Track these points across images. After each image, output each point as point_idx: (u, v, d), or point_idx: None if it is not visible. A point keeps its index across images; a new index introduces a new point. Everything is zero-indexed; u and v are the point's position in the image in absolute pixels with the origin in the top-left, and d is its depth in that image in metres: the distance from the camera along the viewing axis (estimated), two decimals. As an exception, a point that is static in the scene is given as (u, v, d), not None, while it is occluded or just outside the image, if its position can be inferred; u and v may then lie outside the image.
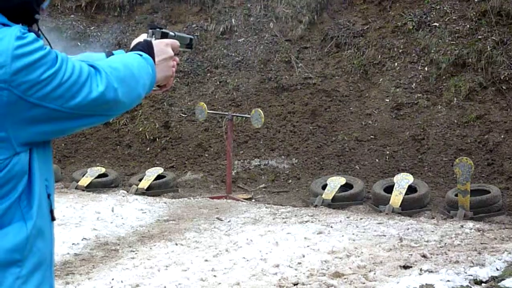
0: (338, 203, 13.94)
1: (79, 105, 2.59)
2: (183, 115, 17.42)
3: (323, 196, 14.08)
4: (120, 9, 20.21)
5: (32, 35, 2.43)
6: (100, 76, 2.70)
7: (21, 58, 2.35)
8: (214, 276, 9.34)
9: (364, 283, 8.95)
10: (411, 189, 13.85)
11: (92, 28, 20.11)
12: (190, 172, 16.24)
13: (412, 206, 13.50)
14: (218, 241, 11.09)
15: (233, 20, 19.20)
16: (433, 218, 13.03)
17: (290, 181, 15.57)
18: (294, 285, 8.94)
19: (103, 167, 16.02)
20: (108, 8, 20.29)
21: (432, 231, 11.68)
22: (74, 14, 20.36)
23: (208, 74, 18.45)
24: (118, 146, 17.25)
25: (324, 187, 14.37)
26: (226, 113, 16.35)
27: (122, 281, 9.05)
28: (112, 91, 2.71)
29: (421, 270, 9.35)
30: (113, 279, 9.08)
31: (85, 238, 11.05)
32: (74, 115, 2.59)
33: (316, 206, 13.83)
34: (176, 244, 10.97)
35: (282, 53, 18.31)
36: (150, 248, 10.73)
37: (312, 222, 12.32)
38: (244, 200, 14.35)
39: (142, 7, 20.02)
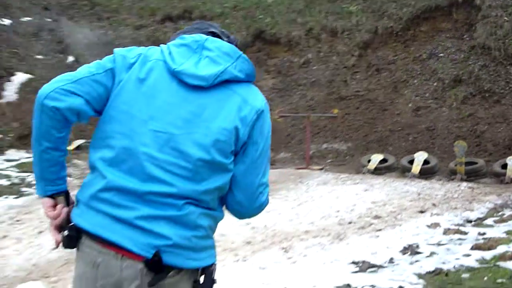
0: (378, 171, 13.86)
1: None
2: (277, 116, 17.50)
3: (368, 167, 14.01)
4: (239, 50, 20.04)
5: None
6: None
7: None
8: (297, 218, 9.40)
9: (394, 222, 8.94)
10: (426, 162, 13.71)
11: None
12: (283, 152, 16.29)
13: (426, 173, 13.38)
14: (300, 196, 11.15)
15: (309, 55, 19.19)
16: (440, 180, 12.89)
17: (347, 157, 15.54)
18: (349, 223, 8.98)
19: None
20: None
21: (439, 189, 11.60)
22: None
23: (294, 90, 18.48)
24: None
25: (369, 161, 14.31)
26: (304, 114, 16.49)
27: (238, 220, 9.17)
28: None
29: (431, 213, 9.32)
30: (232, 220, 9.21)
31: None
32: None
33: (364, 173, 13.78)
34: (274, 198, 11.04)
35: (341, 75, 18.25)
36: (257, 201, 10.84)
37: (361, 183, 12.30)
38: (317, 170, 14.36)
39: (251, 48, 19.96)
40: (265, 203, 2.50)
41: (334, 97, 17.71)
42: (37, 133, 2.33)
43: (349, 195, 10.96)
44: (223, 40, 2.50)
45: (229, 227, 8.74)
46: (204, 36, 2.45)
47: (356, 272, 6.49)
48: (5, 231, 8.64)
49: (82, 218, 2.30)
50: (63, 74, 2.35)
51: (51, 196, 2.45)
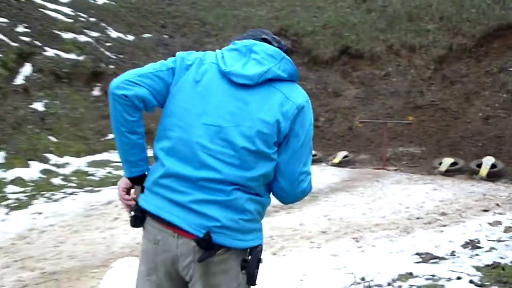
0: (448, 173, 13.36)
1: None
2: (350, 120, 17.22)
3: (439, 169, 13.56)
4: (327, 63, 19.95)
5: None
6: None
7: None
8: (371, 212, 9.21)
9: (459, 219, 8.60)
10: (493, 166, 13.14)
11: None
12: (363, 154, 15.99)
13: (493, 176, 12.81)
14: (375, 193, 10.91)
15: (389, 68, 18.81)
16: (505, 183, 12.30)
17: (421, 160, 15.06)
18: (416, 218, 8.73)
19: (314, 150, 15.93)
20: (319, 62, 20.00)
21: (504, 190, 11.09)
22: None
23: (374, 99, 18.13)
24: (323, 139, 17.14)
25: (440, 164, 13.85)
26: (382, 120, 16.19)
27: (317, 212, 9.08)
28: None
29: (494, 212, 8.90)
30: (312, 212, 9.13)
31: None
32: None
33: (435, 174, 13.35)
34: (351, 194, 10.86)
35: (418, 87, 17.80)
36: (336, 195, 10.67)
37: (431, 183, 11.91)
38: (392, 171, 14.01)
39: (338, 62, 19.73)
40: (307, 189, 2.47)
41: (411, 106, 17.28)
42: (114, 120, 2.40)
43: (419, 194, 10.63)
44: (273, 45, 2.50)
45: (308, 218, 8.68)
46: (252, 41, 2.48)
47: (419, 262, 6.26)
48: (117, 214, 8.86)
49: (146, 201, 2.38)
50: (130, 70, 2.43)
51: (131, 178, 2.53)
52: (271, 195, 2.49)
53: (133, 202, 2.51)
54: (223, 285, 2.31)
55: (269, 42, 2.51)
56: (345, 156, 15.34)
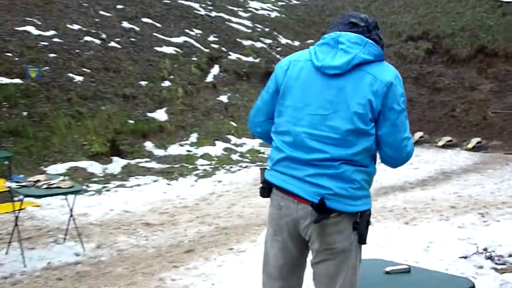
0: None
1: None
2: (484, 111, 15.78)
3: None
4: (464, 61, 18.43)
5: None
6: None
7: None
8: (498, 191, 8.52)
9: None
10: None
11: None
12: (495, 140, 14.63)
13: None
14: (504, 175, 10.06)
15: None
16: None
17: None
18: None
19: (450, 137, 14.86)
20: (456, 61, 18.57)
21: None
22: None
23: (508, 92, 16.22)
24: (459, 127, 15.89)
25: None
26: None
27: (449, 190, 8.50)
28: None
29: None
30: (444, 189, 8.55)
31: (430, 171, 10.40)
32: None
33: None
34: (481, 175, 10.03)
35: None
36: (467, 176, 9.90)
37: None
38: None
39: (474, 60, 18.23)
40: (411, 152, 2.35)
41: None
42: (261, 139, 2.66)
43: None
44: (360, 25, 2.36)
45: (440, 194, 8.18)
46: (338, 33, 2.34)
47: (541, 238, 5.59)
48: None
49: (271, 176, 2.41)
50: (253, 106, 2.57)
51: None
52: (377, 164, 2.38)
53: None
54: (338, 243, 2.27)
55: (356, 24, 2.36)
56: (478, 142, 14.16)
